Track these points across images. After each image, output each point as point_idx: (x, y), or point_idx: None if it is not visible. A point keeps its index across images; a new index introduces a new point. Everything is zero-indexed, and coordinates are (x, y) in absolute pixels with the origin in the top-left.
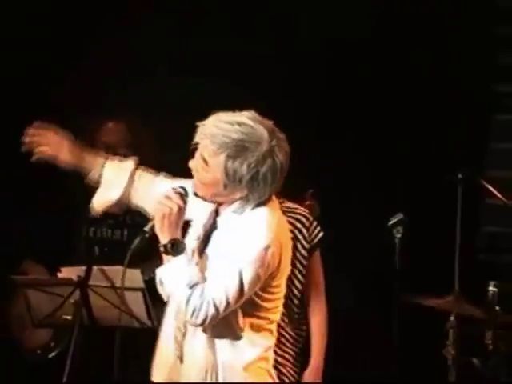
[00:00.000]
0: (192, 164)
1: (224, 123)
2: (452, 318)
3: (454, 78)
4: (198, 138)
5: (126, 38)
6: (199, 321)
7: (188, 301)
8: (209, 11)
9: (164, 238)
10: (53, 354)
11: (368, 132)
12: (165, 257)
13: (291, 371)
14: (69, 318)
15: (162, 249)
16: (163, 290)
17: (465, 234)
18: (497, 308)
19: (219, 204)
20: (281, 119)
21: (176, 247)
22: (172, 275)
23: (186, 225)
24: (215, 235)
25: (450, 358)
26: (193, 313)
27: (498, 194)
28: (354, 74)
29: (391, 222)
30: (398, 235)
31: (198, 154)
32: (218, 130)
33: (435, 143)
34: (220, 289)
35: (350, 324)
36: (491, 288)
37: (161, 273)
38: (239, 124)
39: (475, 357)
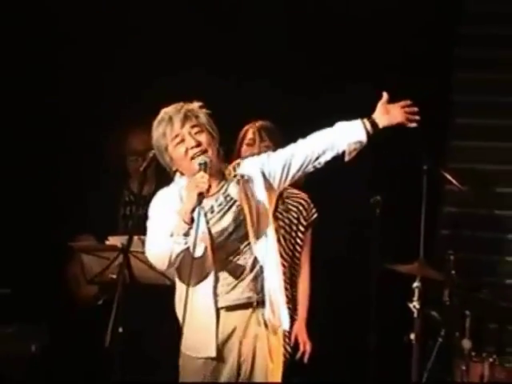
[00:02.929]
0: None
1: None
2: (417, 280)
3: (423, 91)
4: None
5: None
6: None
7: None
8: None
9: (190, 205)
10: (99, 302)
11: None
12: None
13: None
14: (114, 276)
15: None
16: None
17: (429, 212)
18: (453, 272)
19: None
20: (273, 111)
21: None
22: None
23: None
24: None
25: (415, 311)
26: None
27: (455, 182)
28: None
29: (371, 202)
30: (376, 213)
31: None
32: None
33: (407, 142)
34: None
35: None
36: (449, 256)
37: None
38: None
39: (435, 311)
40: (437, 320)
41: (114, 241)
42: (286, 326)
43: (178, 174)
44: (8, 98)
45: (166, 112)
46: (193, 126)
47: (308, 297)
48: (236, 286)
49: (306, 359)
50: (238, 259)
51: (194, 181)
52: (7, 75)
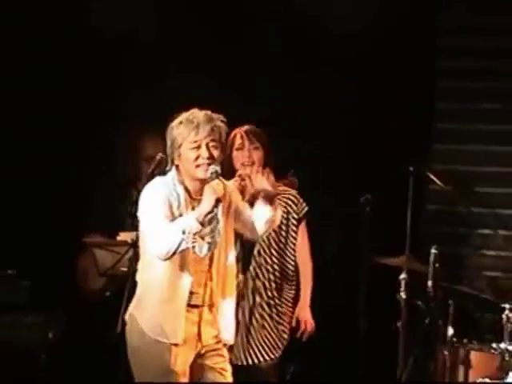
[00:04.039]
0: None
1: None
2: (404, 273)
3: (410, 100)
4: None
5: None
6: None
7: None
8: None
9: (208, 207)
10: (107, 294)
11: (350, 137)
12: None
13: (287, 312)
14: (125, 269)
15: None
16: None
17: (414, 210)
18: (436, 265)
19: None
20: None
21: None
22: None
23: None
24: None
25: (402, 301)
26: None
27: (438, 182)
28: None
29: (361, 201)
30: (366, 211)
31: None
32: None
33: (395, 146)
34: None
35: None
36: (433, 251)
37: None
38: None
39: (420, 300)
40: (422, 309)
41: (125, 236)
42: (226, 336)
43: (173, 168)
44: (21, 98)
45: (195, 117)
46: (212, 140)
47: (310, 278)
48: (200, 288)
49: (304, 338)
50: (203, 266)
51: (212, 187)
52: (21, 75)
